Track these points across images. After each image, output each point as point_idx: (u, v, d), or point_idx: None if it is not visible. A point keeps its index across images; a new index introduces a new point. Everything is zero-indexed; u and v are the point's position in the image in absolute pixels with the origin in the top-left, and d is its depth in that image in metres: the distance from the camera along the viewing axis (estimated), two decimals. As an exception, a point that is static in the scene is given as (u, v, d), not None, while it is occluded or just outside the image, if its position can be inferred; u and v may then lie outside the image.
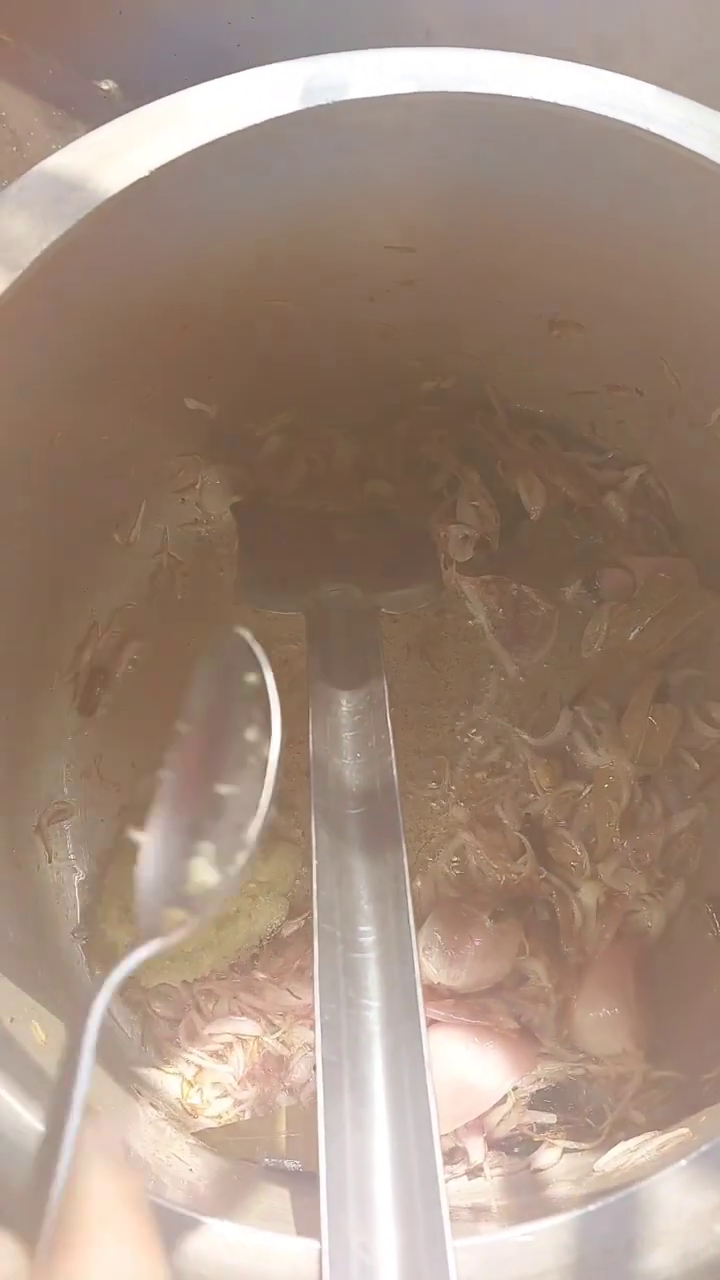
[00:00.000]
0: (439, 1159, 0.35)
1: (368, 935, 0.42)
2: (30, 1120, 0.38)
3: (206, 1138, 0.55)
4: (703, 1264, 0.33)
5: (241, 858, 0.35)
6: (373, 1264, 0.33)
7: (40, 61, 0.80)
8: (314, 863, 0.44)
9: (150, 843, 0.36)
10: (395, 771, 0.48)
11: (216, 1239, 0.35)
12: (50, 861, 0.62)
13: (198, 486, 0.66)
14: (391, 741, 0.50)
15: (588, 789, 0.60)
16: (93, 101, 0.80)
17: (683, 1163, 0.34)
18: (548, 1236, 0.33)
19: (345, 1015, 0.39)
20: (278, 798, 0.37)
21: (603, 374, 0.58)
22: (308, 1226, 0.36)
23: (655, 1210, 0.34)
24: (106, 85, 0.81)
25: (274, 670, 0.63)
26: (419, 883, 0.60)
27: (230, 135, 0.43)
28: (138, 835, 0.36)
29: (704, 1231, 0.33)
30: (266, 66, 0.44)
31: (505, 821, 0.60)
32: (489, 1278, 0.33)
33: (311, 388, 0.62)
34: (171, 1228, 0.35)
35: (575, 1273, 0.33)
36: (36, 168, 0.43)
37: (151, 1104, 0.56)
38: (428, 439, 0.64)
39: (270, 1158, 0.55)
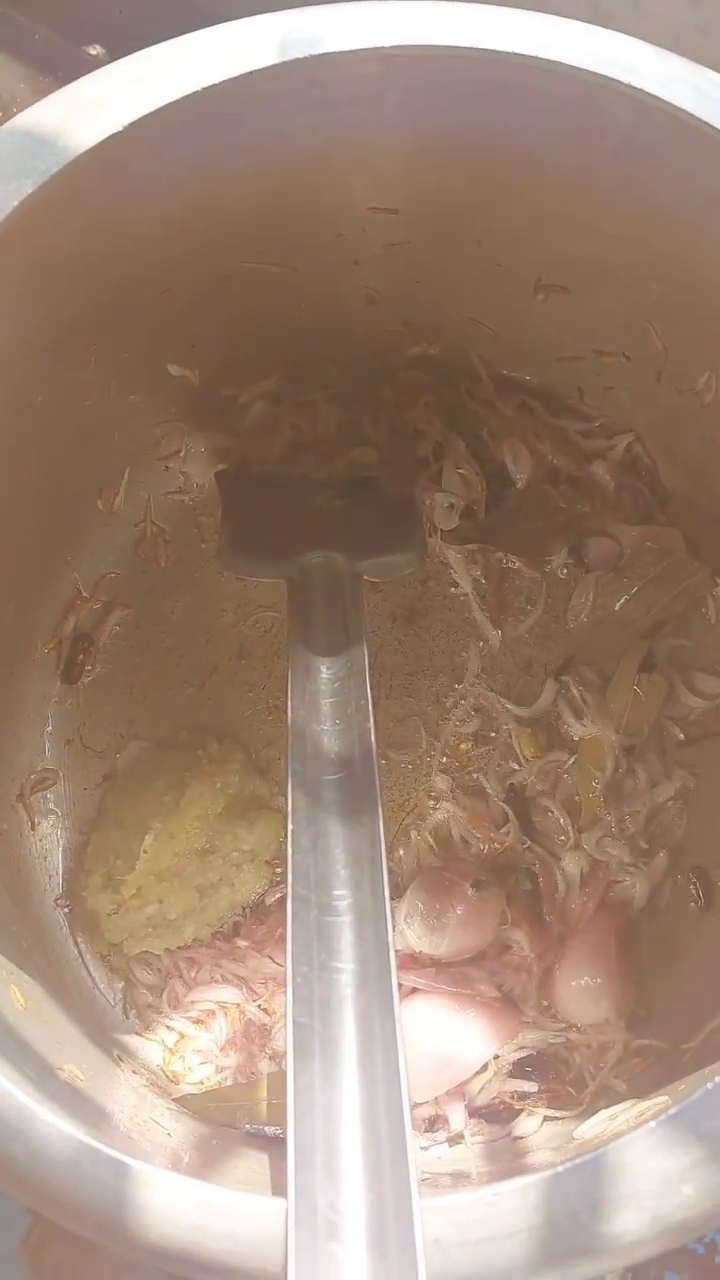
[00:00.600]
0: (408, 1120, 0.35)
1: (342, 899, 0.42)
2: (8, 1086, 0.38)
3: (187, 1104, 0.55)
4: (671, 1226, 0.33)
5: None
6: (339, 1221, 0.33)
7: (27, 26, 0.79)
8: (289, 827, 0.44)
9: None
10: (374, 738, 0.48)
11: (186, 1197, 0.35)
12: (33, 829, 0.62)
13: (181, 454, 0.65)
14: (370, 708, 0.49)
15: (572, 759, 0.60)
16: (80, 66, 0.79)
17: (652, 1124, 0.34)
18: (515, 1198, 0.33)
19: (318, 978, 0.39)
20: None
21: (590, 339, 0.58)
22: (284, 1189, 0.36)
23: (623, 1172, 0.33)
24: (94, 50, 0.80)
25: (256, 638, 0.63)
26: (401, 852, 0.60)
27: (206, 89, 0.43)
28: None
29: (673, 1194, 0.33)
30: (243, 20, 0.44)
31: (488, 791, 0.60)
32: (456, 1239, 0.33)
33: (296, 353, 0.62)
34: (141, 1184, 0.35)
35: (542, 1233, 0.33)
36: (9, 123, 0.43)
37: (133, 1070, 0.56)
38: (413, 405, 0.63)
39: (251, 1124, 0.55)
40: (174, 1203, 0.35)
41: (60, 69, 0.79)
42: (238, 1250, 0.34)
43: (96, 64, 0.77)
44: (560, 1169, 0.34)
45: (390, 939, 0.40)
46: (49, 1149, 0.36)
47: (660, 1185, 0.33)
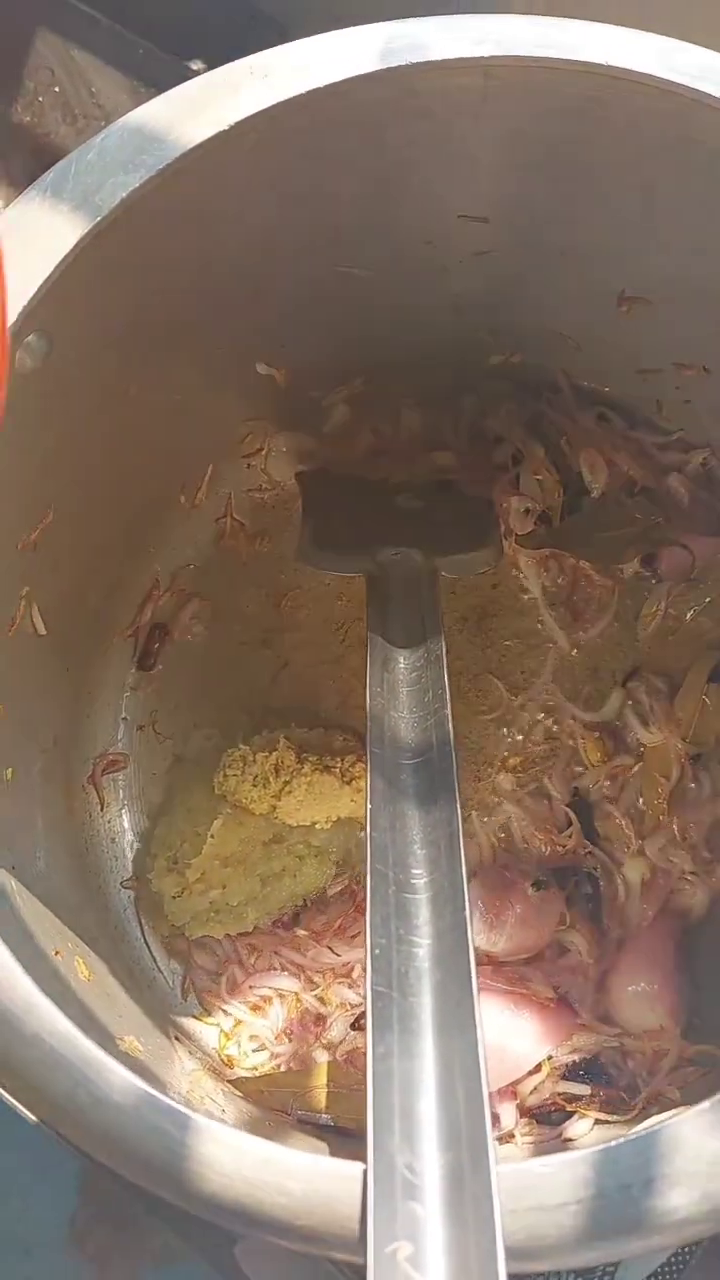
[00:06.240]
0: (485, 1086, 0.35)
1: (419, 878, 0.43)
2: (75, 1033, 0.39)
3: (240, 1086, 0.56)
4: (720, 1206, 0.33)
5: None
6: (417, 1183, 0.33)
7: (131, 41, 0.82)
8: (368, 807, 0.45)
9: None
10: (451, 726, 0.49)
11: (245, 1153, 0.35)
12: (102, 811, 0.63)
13: (264, 453, 0.67)
14: (448, 697, 0.50)
15: (637, 765, 0.60)
16: (182, 80, 0.81)
17: (706, 1105, 0.34)
18: (567, 1169, 0.34)
19: (395, 950, 0.40)
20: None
21: (670, 351, 0.58)
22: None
23: (676, 1150, 0.34)
24: (196, 65, 0.83)
25: (330, 633, 0.65)
26: (463, 849, 0.61)
27: (309, 93, 0.44)
28: None
29: (724, 1174, 0.34)
30: (347, 29, 0.45)
31: (553, 794, 0.61)
32: (508, 1206, 0.33)
33: (380, 358, 0.63)
34: (201, 1136, 0.36)
35: (592, 1205, 0.33)
36: (121, 120, 0.45)
37: (189, 1052, 0.57)
38: (494, 413, 0.64)
39: (303, 1110, 0.56)
40: (233, 1156, 0.35)
41: (163, 83, 0.81)
42: (291, 1207, 0.35)
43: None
44: (613, 1144, 0.34)
45: (468, 916, 0.41)
46: (112, 1096, 0.37)
47: (711, 1165, 0.34)
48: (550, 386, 0.64)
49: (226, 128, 0.44)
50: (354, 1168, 0.35)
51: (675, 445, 0.63)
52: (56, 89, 0.83)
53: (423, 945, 0.40)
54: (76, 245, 0.43)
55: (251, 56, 0.46)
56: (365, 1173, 0.34)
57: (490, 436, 0.65)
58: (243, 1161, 0.35)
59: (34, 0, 0.82)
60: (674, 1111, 0.47)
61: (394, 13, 0.46)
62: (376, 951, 0.39)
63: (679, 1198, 0.33)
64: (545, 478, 0.62)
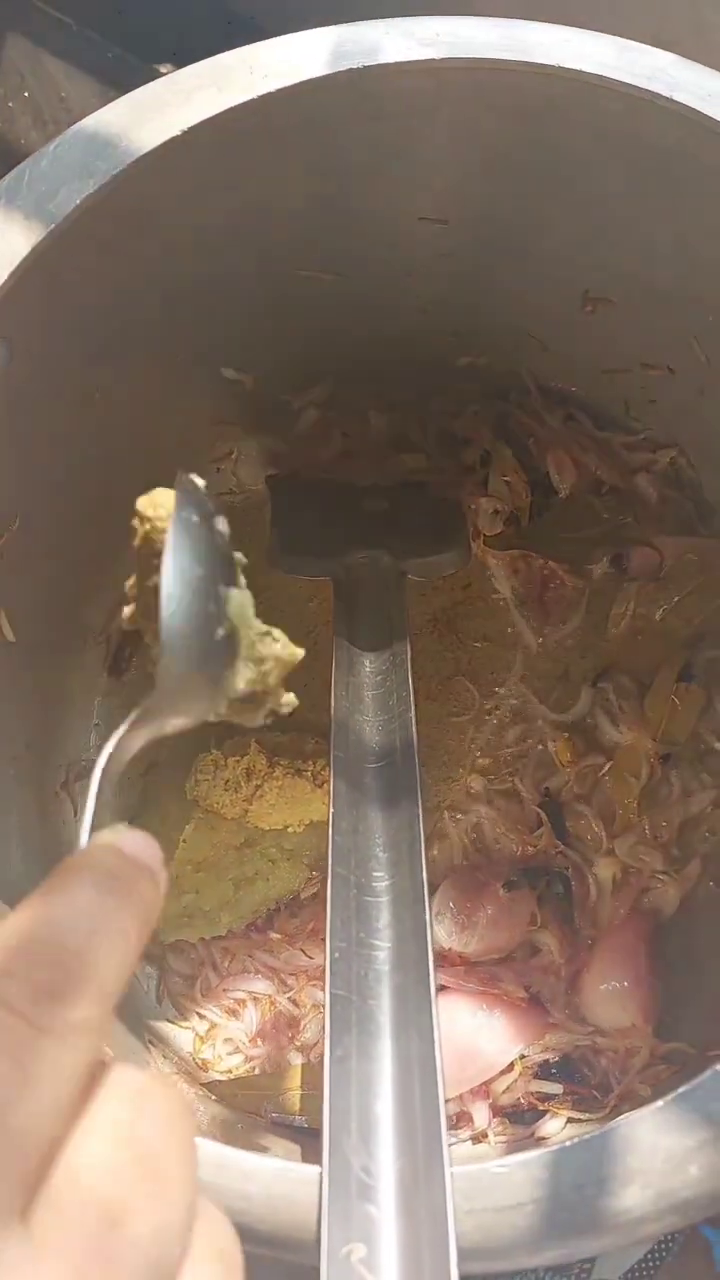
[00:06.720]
0: (441, 1090, 0.35)
1: (381, 881, 0.43)
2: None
3: (214, 1089, 0.56)
4: (675, 1204, 0.34)
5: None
6: (373, 1185, 0.33)
7: (101, 45, 0.82)
8: (331, 811, 0.45)
9: None
10: (415, 730, 0.49)
11: (203, 1158, 0.35)
12: (76, 816, 0.63)
13: (234, 456, 0.67)
14: (412, 699, 0.50)
15: (608, 765, 0.60)
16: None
17: (660, 1103, 0.35)
18: (522, 1170, 0.34)
19: (355, 954, 0.40)
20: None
21: (635, 351, 0.59)
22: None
23: (631, 1149, 0.34)
24: (165, 69, 0.83)
25: (301, 637, 0.64)
26: (435, 850, 0.61)
27: (262, 97, 0.44)
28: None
29: (678, 1172, 0.34)
30: (300, 32, 0.46)
31: (523, 794, 0.61)
32: (463, 1207, 0.33)
33: (347, 361, 0.63)
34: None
35: (548, 1205, 0.33)
36: (75, 126, 0.45)
37: (163, 1055, 0.57)
38: (462, 414, 0.65)
39: (277, 1113, 0.56)
40: (214, 1172, 0.35)
41: (132, 88, 0.81)
42: (251, 1210, 0.35)
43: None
44: (568, 1144, 0.34)
45: (428, 920, 0.41)
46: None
47: (666, 1164, 0.34)
48: (518, 387, 0.64)
49: (179, 133, 0.44)
50: (312, 1170, 0.35)
51: (643, 445, 0.64)
52: (27, 94, 0.83)
53: (383, 949, 0.40)
54: (31, 253, 0.43)
55: (206, 60, 0.46)
56: (320, 1174, 0.34)
57: (459, 438, 0.65)
58: (201, 1166, 0.35)
59: (4, 5, 0.82)
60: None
61: (375, 13, 0.47)
62: (336, 955, 0.39)
63: (633, 1196, 0.33)
64: (513, 479, 0.63)
